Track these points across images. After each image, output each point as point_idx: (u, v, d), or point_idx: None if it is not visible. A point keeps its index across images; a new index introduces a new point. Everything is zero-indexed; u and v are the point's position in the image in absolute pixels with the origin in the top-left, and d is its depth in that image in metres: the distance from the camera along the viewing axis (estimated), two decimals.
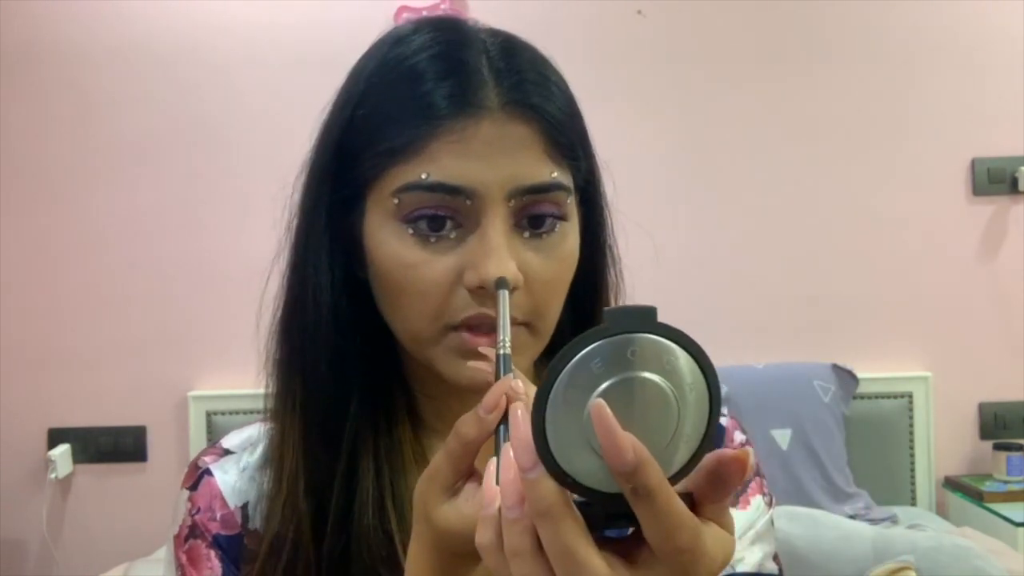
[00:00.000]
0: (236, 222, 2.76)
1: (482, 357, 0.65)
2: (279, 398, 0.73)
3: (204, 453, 0.79)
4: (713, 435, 0.46)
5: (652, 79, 2.83)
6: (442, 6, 2.75)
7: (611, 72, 2.75)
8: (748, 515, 0.76)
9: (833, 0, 2.85)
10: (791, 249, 2.86)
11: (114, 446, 2.81)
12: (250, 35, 2.80)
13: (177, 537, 0.76)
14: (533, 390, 0.56)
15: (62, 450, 2.77)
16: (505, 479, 0.46)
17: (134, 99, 2.80)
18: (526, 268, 0.66)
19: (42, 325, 2.82)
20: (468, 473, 0.57)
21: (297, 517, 0.70)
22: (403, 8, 2.74)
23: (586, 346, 0.44)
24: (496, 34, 0.71)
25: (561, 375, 0.44)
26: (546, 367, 0.45)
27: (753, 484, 0.78)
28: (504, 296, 0.63)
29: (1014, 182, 2.82)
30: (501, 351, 0.59)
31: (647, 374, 0.44)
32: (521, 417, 0.47)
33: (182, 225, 2.81)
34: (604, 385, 0.44)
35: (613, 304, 0.78)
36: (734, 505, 0.76)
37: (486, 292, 0.64)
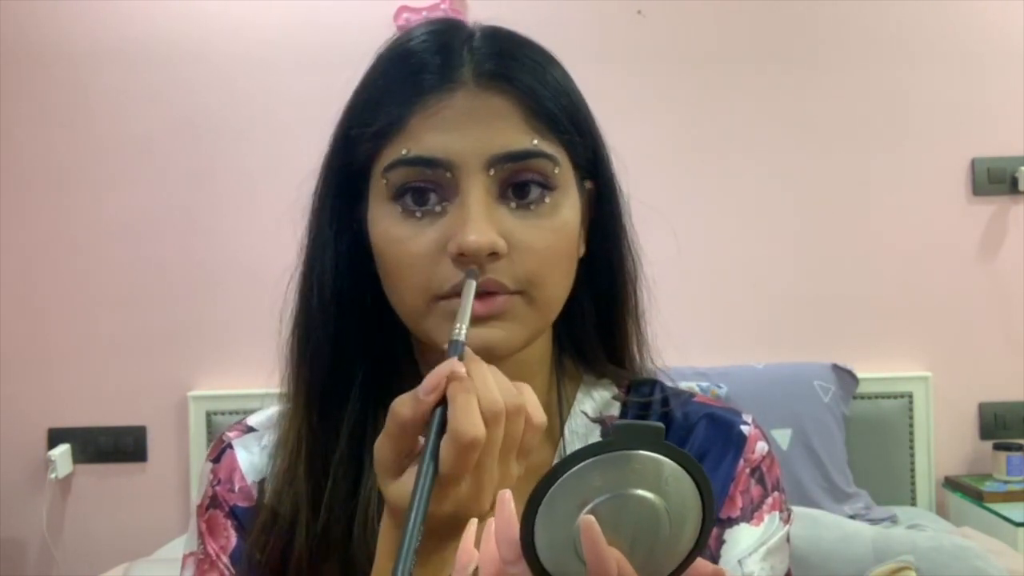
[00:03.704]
0: (236, 222, 2.76)
1: (475, 318, 0.65)
2: (287, 381, 0.76)
3: (229, 428, 0.82)
4: (702, 550, 0.48)
5: (652, 79, 2.83)
6: (442, 6, 2.74)
7: (611, 72, 2.74)
8: (760, 531, 0.76)
9: (833, 1, 2.85)
10: (791, 249, 2.86)
11: (114, 446, 2.81)
12: (250, 35, 2.80)
13: (199, 507, 0.79)
14: (487, 371, 0.58)
15: (62, 450, 2.77)
16: (486, 554, 0.48)
17: (134, 99, 2.80)
18: (512, 237, 0.67)
19: (42, 325, 2.82)
20: (410, 451, 0.59)
21: (296, 496, 0.72)
22: (403, 8, 2.74)
23: (588, 457, 0.46)
24: (488, 26, 0.73)
25: (560, 480, 0.46)
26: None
27: (770, 500, 0.77)
28: (470, 285, 0.64)
29: (1014, 182, 2.82)
30: (454, 336, 0.61)
31: (643, 492, 0.46)
32: (508, 510, 0.48)
33: (182, 225, 2.81)
34: (599, 499, 0.46)
35: (633, 291, 0.79)
36: (748, 520, 0.76)
37: (468, 260, 0.65)
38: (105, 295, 2.80)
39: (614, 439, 0.46)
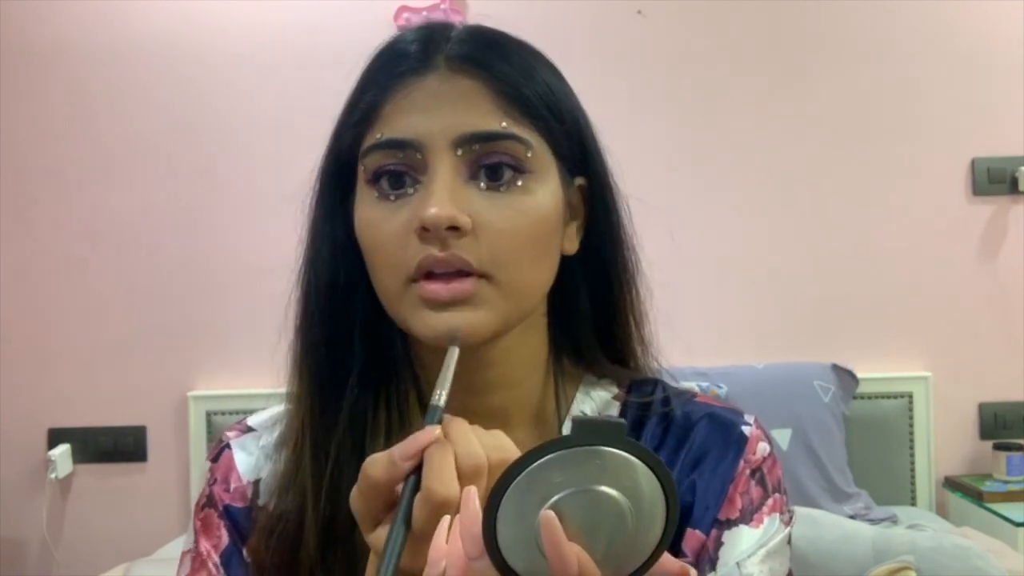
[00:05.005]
0: (236, 222, 2.76)
1: (440, 303, 0.66)
2: (290, 379, 0.76)
3: (230, 428, 0.82)
4: (666, 547, 0.48)
5: (652, 79, 2.83)
6: (442, 6, 2.74)
7: (611, 72, 2.75)
8: (760, 533, 0.75)
9: (833, 0, 2.85)
10: (791, 249, 2.85)
11: (114, 446, 2.81)
12: (250, 34, 2.80)
13: (197, 505, 0.80)
14: (467, 428, 0.58)
15: (62, 450, 2.77)
16: (453, 550, 0.49)
17: (134, 99, 2.80)
18: (478, 216, 0.67)
19: (42, 325, 2.81)
20: (387, 506, 0.58)
21: (302, 487, 0.72)
22: (403, 8, 2.74)
23: (549, 453, 0.46)
24: (475, 24, 0.74)
25: (520, 476, 0.46)
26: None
27: (771, 501, 0.77)
28: (453, 351, 0.63)
29: (1014, 182, 2.82)
30: (433, 402, 0.59)
31: (605, 488, 0.46)
32: (472, 507, 0.48)
33: (182, 225, 2.81)
34: (560, 494, 0.46)
35: (631, 290, 0.78)
36: (748, 522, 0.75)
37: (431, 235, 0.65)
38: (105, 295, 2.80)
39: (575, 435, 0.46)
